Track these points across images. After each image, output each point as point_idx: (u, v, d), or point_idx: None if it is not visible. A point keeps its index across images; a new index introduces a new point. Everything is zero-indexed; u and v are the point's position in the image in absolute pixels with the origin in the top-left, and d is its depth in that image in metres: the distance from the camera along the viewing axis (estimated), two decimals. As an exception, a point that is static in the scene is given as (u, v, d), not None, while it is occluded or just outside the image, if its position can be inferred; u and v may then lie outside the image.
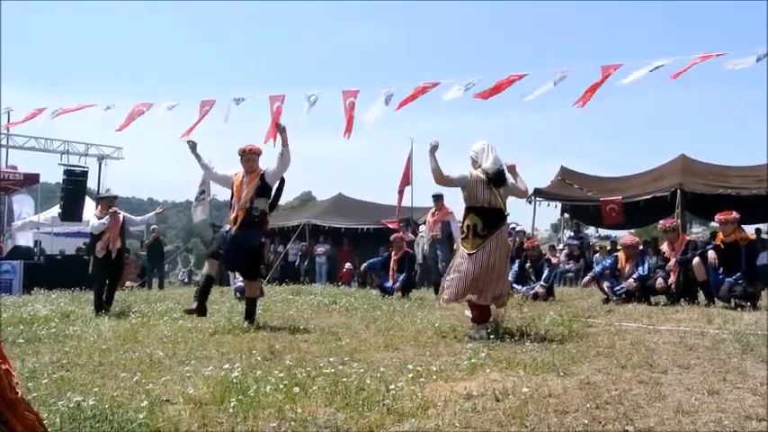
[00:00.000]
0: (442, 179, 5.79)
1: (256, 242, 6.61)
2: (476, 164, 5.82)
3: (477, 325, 5.65)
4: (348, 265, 18.80)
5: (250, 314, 6.64)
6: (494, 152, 5.78)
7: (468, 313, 5.92)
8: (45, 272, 14.70)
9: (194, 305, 6.43)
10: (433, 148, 5.77)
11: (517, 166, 5.93)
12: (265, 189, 6.57)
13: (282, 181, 6.67)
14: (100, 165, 16.86)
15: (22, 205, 23.62)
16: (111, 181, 17.18)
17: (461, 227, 5.97)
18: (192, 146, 6.94)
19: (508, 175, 5.86)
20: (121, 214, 9.03)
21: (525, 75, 10.68)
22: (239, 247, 6.44)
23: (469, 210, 5.75)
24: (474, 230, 5.65)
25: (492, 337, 5.35)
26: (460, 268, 5.63)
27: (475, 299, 5.65)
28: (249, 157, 6.58)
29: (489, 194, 5.68)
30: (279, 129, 6.63)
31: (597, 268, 9.31)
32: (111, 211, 8.72)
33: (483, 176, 5.69)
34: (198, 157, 6.95)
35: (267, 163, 6.71)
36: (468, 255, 5.61)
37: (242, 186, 6.51)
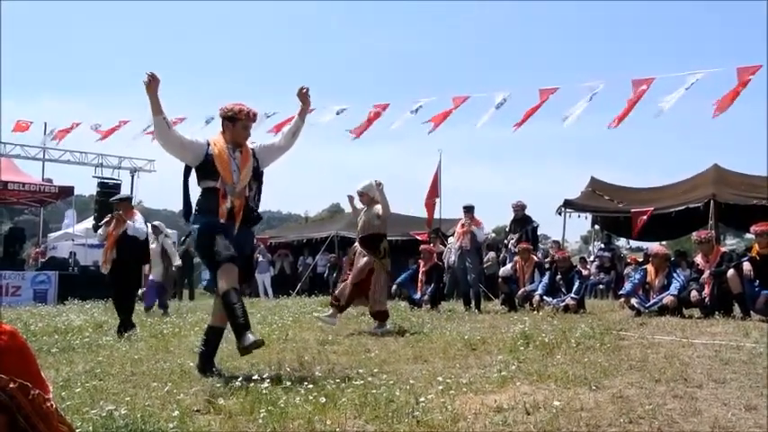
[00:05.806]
0: (389, 212, 7.35)
1: (253, 246, 4.82)
2: (366, 197, 7.39)
3: (382, 322, 7.15)
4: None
5: (205, 356, 4.53)
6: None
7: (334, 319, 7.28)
8: (79, 283, 15.01)
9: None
10: (382, 187, 7.21)
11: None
12: (257, 173, 4.65)
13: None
14: (132, 177, 17.14)
15: (67, 218, 24.10)
16: (143, 193, 17.49)
17: (380, 249, 7.27)
18: (152, 78, 4.27)
19: None
20: (129, 222, 7.49)
21: (557, 89, 10.69)
22: (240, 249, 4.44)
23: (384, 236, 7.38)
24: (387, 252, 7.38)
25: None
26: (381, 281, 7.24)
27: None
28: (247, 124, 4.58)
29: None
30: (302, 96, 4.85)
31: (627, 287, 9.01)
32: (106, 218, 7.69)
33: None
34: (156, 103, 4.31)
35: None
36: (387, 272, 7.46)
37: (230, 163, 4.43)
